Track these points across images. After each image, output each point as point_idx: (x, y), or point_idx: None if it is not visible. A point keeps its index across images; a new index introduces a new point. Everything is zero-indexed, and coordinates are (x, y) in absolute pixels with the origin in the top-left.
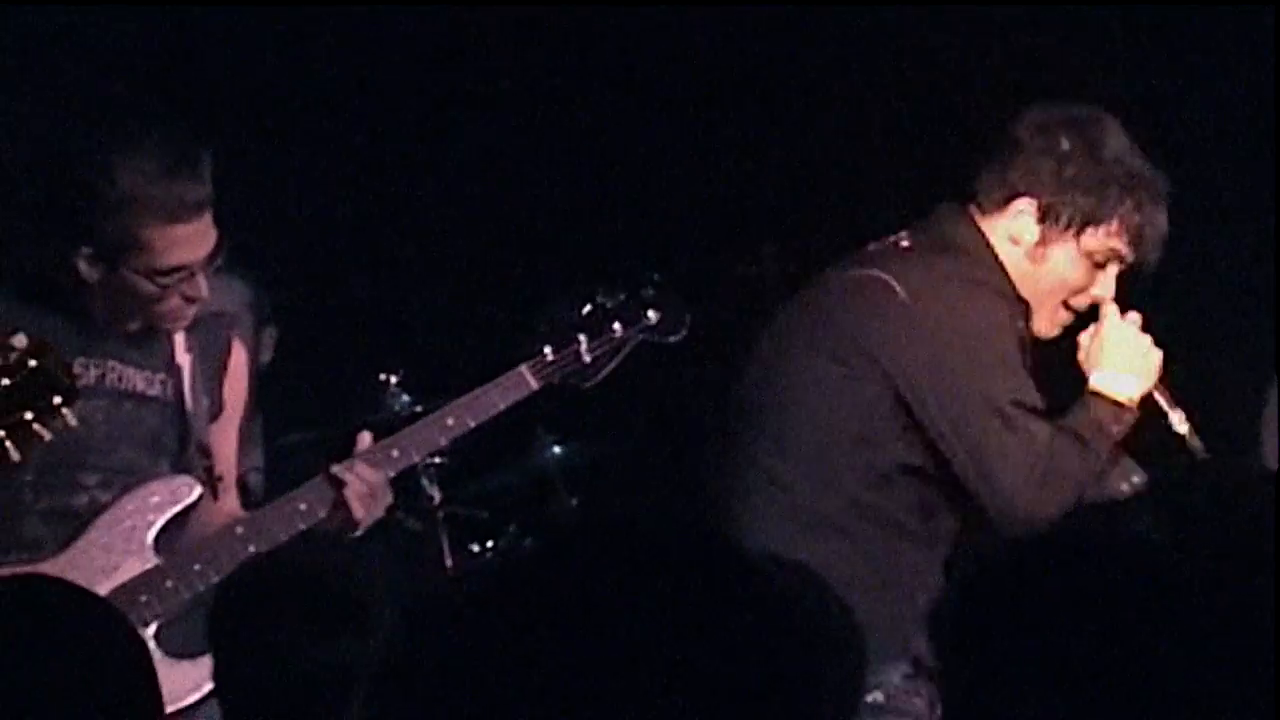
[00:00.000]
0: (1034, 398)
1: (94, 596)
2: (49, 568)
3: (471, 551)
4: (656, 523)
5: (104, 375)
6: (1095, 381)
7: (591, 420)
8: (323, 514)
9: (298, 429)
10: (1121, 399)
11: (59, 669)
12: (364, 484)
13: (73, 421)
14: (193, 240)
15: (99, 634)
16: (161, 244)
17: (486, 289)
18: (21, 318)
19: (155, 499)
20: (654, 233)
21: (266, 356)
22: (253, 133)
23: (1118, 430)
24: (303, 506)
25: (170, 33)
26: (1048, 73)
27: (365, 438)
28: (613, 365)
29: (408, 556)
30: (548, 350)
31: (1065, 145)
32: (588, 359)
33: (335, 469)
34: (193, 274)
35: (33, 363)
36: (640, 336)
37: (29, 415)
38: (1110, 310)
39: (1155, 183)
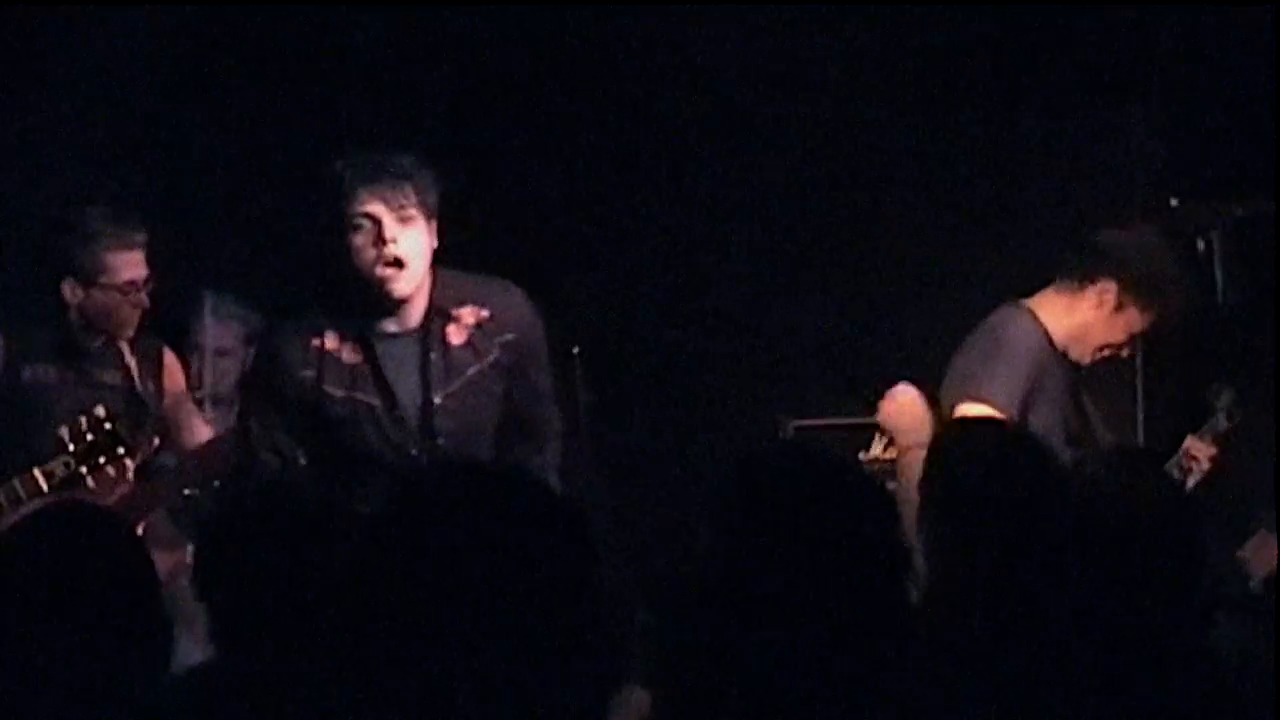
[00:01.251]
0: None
1: (106, 509)
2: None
3: None
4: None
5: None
6: None
7: None
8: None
9: None
10: None
11: (89, 558)
12: None
13: (131, 466)
14: (137, 264)
15: (112, 532)
16: (117, 264)
17: None
18: (32, 345)
19: None
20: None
21: None
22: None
23: None
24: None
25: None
26: None
27: None
28: None
29: None
30: None
31: None
32: None
33: None
34: (139, 290)
35: (108, 425)
36: None
37: (103, 460)
38: None
39: None
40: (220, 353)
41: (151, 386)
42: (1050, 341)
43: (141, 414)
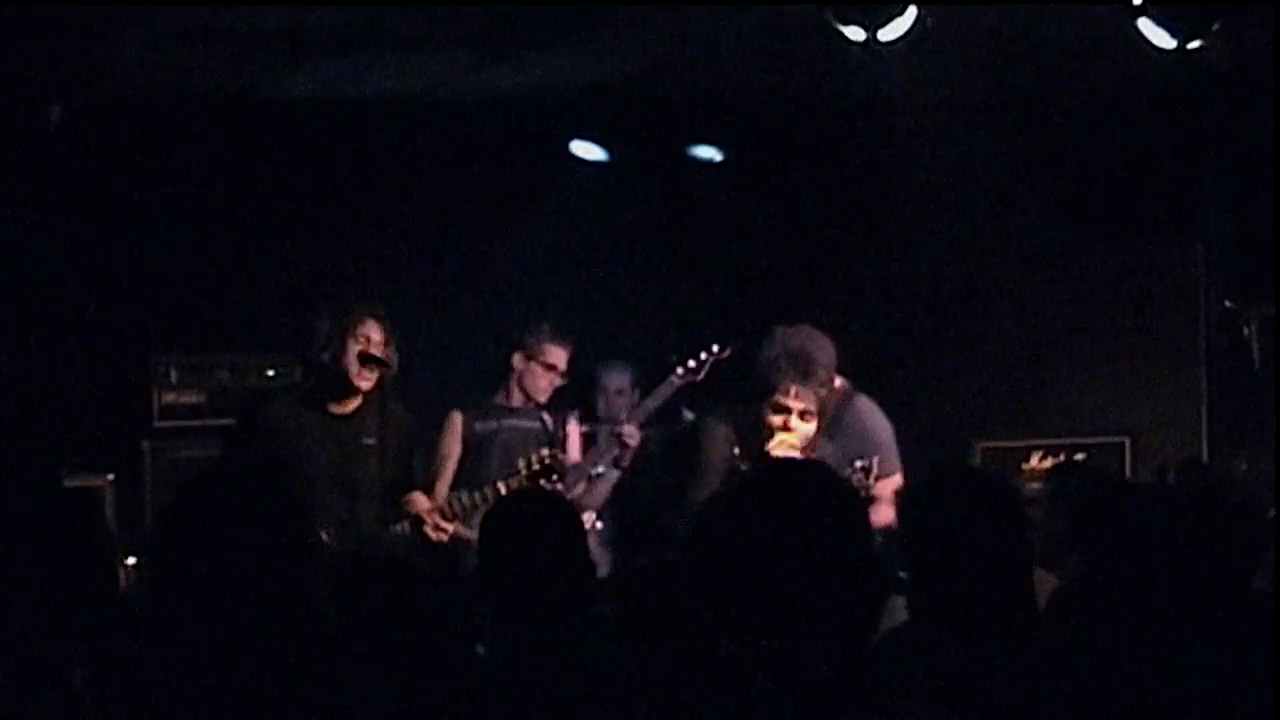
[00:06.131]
0: None
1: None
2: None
3: None
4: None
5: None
6: None
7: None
8: None
9: None
10: None
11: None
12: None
13: (560, 486)
14: (561, 357)
15: (566, 517)
16: (553, 352)
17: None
18: (480, 411)
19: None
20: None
21: None
22: None
23: None
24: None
25: None
26: None
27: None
28: (701, 376)
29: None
30: (678, 370)
31: None
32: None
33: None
34: (559, 372)
35: (549, 461)
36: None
37: (543, 480)
38: None
39: None
40: (617, 391)
41: (560, 433)
42: None
43: (555, 448)
